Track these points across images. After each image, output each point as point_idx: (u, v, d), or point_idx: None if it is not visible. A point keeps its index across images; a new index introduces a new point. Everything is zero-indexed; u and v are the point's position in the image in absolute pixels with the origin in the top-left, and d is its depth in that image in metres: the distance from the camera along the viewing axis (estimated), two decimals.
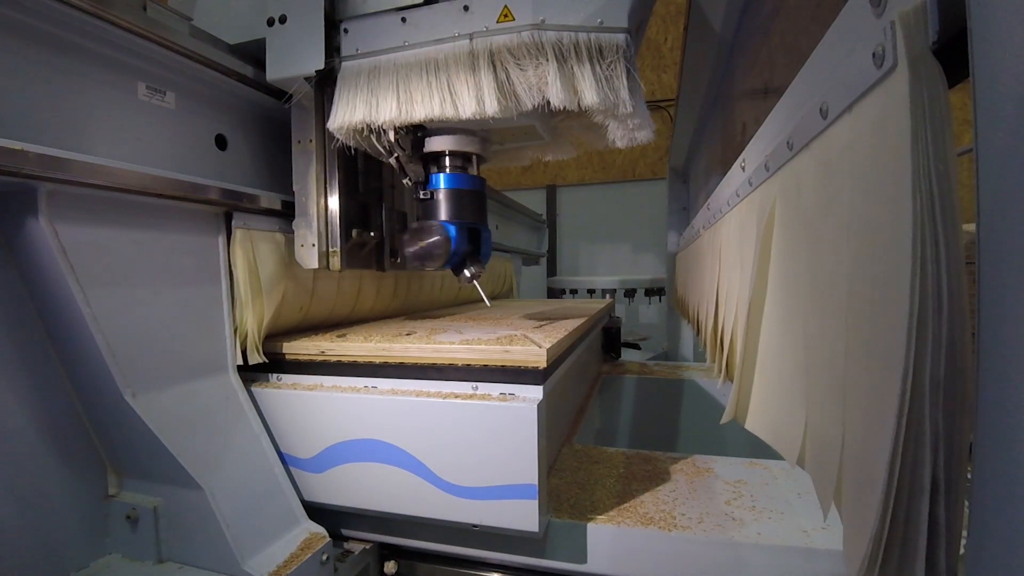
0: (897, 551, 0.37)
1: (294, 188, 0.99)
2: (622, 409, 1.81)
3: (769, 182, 0.75)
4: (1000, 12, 0.29)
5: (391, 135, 0.90)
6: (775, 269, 0.70)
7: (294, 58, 0.90)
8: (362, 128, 0.87)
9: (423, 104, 0.82)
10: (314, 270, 1.04)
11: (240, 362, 0.93)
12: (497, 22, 0.80)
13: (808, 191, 0.57)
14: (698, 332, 1.58)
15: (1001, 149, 0.29)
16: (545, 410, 0.81)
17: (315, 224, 0.98)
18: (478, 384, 0.85)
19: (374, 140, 0.90)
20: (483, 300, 1.12)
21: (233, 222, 0.92)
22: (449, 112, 0.81)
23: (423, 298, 1.65)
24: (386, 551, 0.95)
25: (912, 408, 0.35)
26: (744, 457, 1.07)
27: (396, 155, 0.93)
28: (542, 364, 0.82)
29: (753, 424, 0.76)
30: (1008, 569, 0.29)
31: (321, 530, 0.85)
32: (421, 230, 0.94)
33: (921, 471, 0.35)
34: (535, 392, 0.82)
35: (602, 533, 0.82)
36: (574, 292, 3.26)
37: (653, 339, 3.63)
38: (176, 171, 0.83)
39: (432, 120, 0.84)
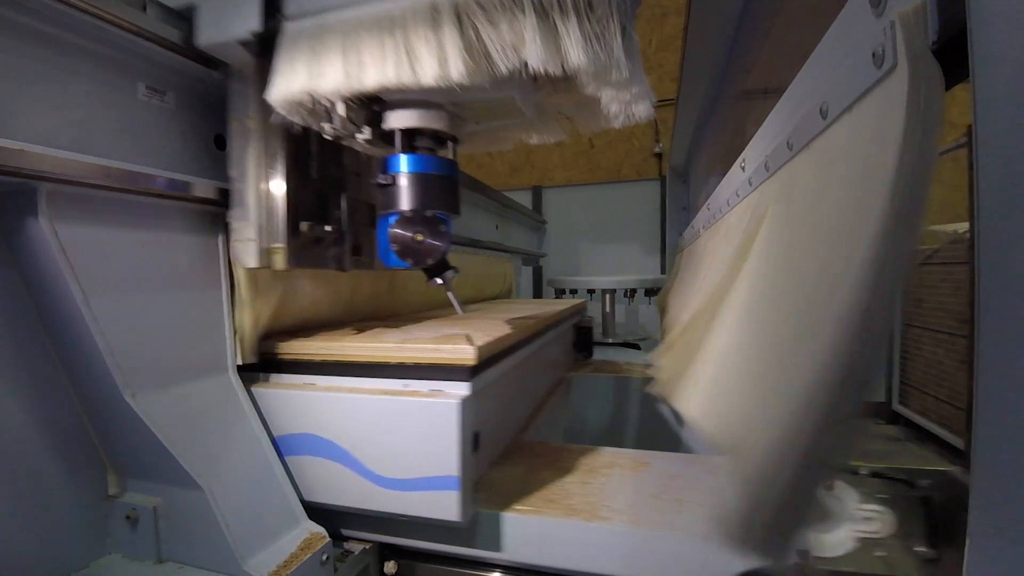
0: (764, 519, 0.40)
1: (230, 173, 0.87)
2: (591, 407, 1.85)
3: (769, 182, 0.75)
4: (1000, 12, 0.29)
5: (341, 109, 0.76)
6: (751, 263, 0.71)
7: (226, 19, 0.79)
8: (304, 100, 0.75)
9: (375, 68, 0.70)
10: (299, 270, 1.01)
11: (239, 362, 0.93)
12: None
13: (801, 190, 0.57)
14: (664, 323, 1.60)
15: (1001, 149, 0.29)
16: (472, 406, 0.83)
17: (253, 215, 0.86)
18: (409, 381, 0.86)
19: (322, 116, 0.78)
20: (455, 307, 0.97)
21: None
22: (406, 77, 0.68)
23: (416, 299, 1.64)
24: (386, 551, 0.95)
25: (822, 395, 0.36)
26: (710, 453, 1.09)
27: (354, 134, 0.81)
28: (470, 361, 0.84)
29: (683, 403, 0.78)
30: (1008, 569, 0.29)
31: (321, 530, 0.85)
32: (429, 223, 0.82)
33: (811, 452, 0.37)
34: (461, 389, 0.84)
35: (523, 523, 0.85)
36: (574, 292, 3.26)
37: (652, 339, 3.63)
38: (176, 171, 0.83)
39: (387, 88, 0.71)
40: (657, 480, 0.96)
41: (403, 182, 0.80)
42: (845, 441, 0.36)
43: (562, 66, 0.66)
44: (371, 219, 1.10)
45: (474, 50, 0.67)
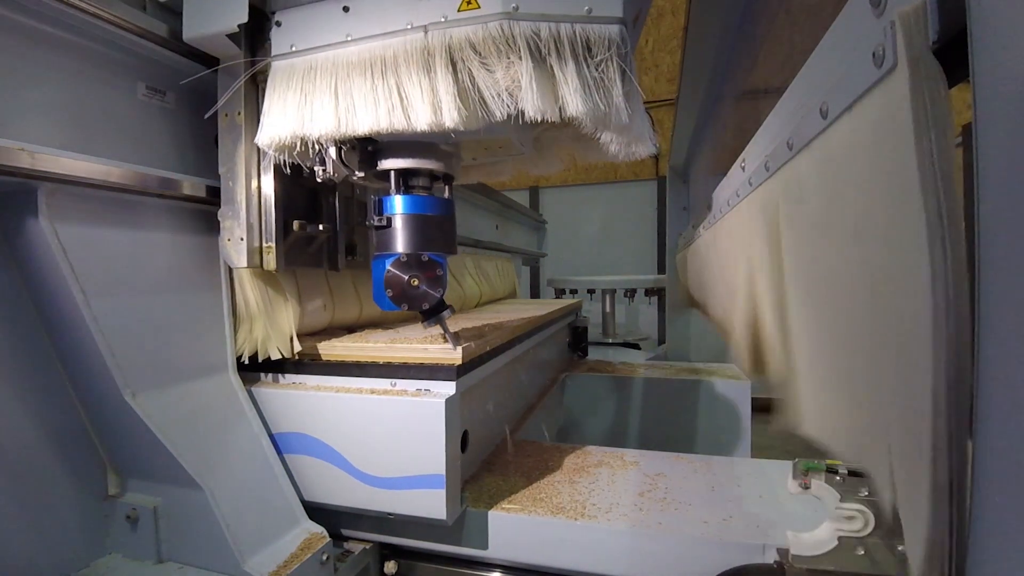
0: (942, 550, 0.37)
1: (219, 171, 0.86)
2: (586, 407, 1.86)
3: (770, 181, 0.74)
4: (1000, 12, 0.29)
5: (332, 152, 0.75)
6: (788, 271, 0.70)
7: (213, 12, 0.78)
8: (295, 143, 0.74)
9: (367, 113, 0.69)
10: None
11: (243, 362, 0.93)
12: (459, 11, 0.67)
13: (810, 192, 0.57)
14: (724, 333, 1.58)
15: (1001, 149, 0.29)
16: (458, 405, 0.84)
17: (243, 214, 0.84)
18: (397, 380, 0.87)
19: (314, 158, 0.78)
20: (450, 342, 0.89)
21: None
22: (399, 123, 0.68)
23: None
24: (386, 551, 0.95)
25: (937, 408, 0.35)
26: (700, 453, 1.11)
27: (347, 176, 0.80)
28: (457, 361, 0.85)
29: (810, 429, 0.76)
30: (1010, 570, 0.29)
31: (321, 530, 0.85)
32: (425, 267, 0.80)
33: (941, 471, 0.35)
34: (448, 388, 0.84)
35: (509, 522, 0.85)
36: (574, 292, 3.26)
37: (652, 339, 3.64)
38: (176, 171, 0.83)
39: (379, 132, 0.70)
40: (644, 479, 0.97)
41: (398, 224, 0.79)
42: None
43: (560, 114, 0.65)
44: (365, 218, 1.09)
45: (469, 96, 0.66)
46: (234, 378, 0.91)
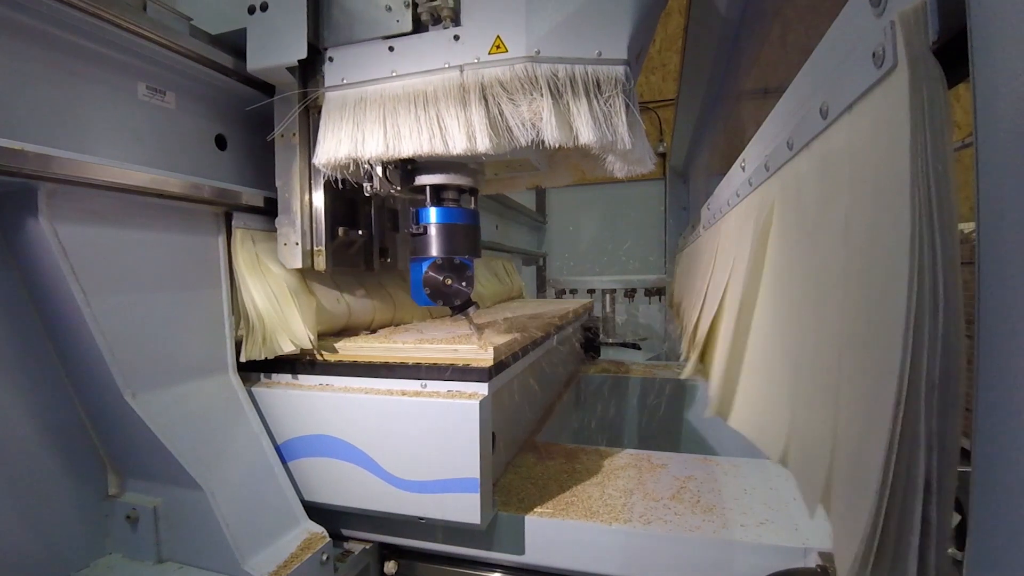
0: (889, 552, 0.37)
1: (276, 184, 0.97)
2: (599, 406, 1.85)
3: (769, 182, 0.74)
4: (1000, 12, 0.29)
5: (379, 170, 0.86)
6: (770, 268, 0.70)
7: (275, 47, 0.87)
8: (348, 164, 0.84)
9: (411, 139, 0.79)
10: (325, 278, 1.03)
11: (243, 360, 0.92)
12: (489, 53, 0.77)
13: (808, 190, 0.57)
14: (681, 329, 1.58)
15: (1001, 149, 0.29)
16: (490, 407, 0.83)
17: (298, 222, 0.95)
18: (427, 382, 0.87)
19: (363, 176, 0.89)
20: (474, 335, 0.96)
21: (233, 222, 0.92)
22: (439, 148, 0.77)
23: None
24: (386, 551, 0.95)
25: (908, 409, 0.35)
26: (712, 455, 1.10)
27: (390, 190, 0.91)
28: (488, 362, 0.85)
29: (736, 421, 0.77)
30: (1008, 569, 0.29)
31: (321, 530, 0.85)
32: (457, 269, 0.91)
33: (915, 472, 0.35)
34: (480, 389, 0.84)
35: (544, 526, 0.84)
36: (574, 292, 3.26)
37: (653, 340, 3.63)
38: (176, 171, 0.83)
39: (420, 155, 0.81)
40: (674, 481, 0.96)
41: (433, 232, 0.90)
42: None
43: (574, 142, 0.75)
44: (395, 224, 1.22)
45: (498, 126, 0.76)
46: (234, 378, 0.91)
